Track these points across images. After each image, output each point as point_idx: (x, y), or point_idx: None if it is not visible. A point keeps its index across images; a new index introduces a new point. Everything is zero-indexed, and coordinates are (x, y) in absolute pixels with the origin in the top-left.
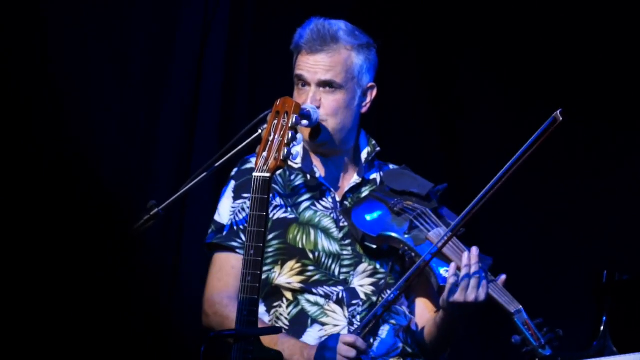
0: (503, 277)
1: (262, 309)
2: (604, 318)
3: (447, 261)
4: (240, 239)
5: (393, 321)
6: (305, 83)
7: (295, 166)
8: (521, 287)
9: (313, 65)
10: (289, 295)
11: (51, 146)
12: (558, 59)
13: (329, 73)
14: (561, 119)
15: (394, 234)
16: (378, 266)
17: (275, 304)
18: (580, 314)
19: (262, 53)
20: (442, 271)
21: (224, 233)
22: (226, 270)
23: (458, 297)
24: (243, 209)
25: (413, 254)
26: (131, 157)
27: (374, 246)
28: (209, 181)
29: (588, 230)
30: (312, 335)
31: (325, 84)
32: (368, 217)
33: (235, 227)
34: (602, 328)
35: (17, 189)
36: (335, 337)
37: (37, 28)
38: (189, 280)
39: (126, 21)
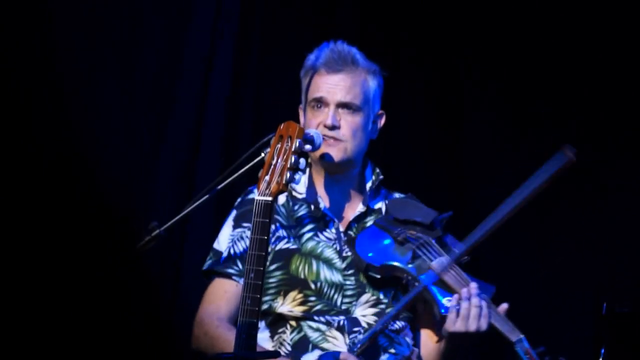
0: (504, 305)
1: (265, 334)
2: (603, 350)
3: (449, 291)
4: (237, 266)
5: (393, 350)
6: (323, 104)
7: (299, 197)
8: (521, 317)
9: (333, 86)
10: (292, 322)
11: (56, 164)
12: (564, 83)
13: (349, 95)
14: (574, 158)
15: (397, 264)
16: (382, 296)
17: (280, 330)
18: (579, 345)
19: (268, 77)
20: (445, 301)
21: (221, 260)
22: (219, 295)
23: (459, 326)
24: (241, 237)
25: (417, 283)
26: (134, 178)
27: (378, 276)
28: (210, 203)
29: (589, 261)
30: (311, 359)
31: (344, 105)
32: (372, 247)
33: (232, 255)
34: None
35: (21, 207)
36: (331, 355)
37: (47, 52)
38: (188, 301)
39: (134, 39)
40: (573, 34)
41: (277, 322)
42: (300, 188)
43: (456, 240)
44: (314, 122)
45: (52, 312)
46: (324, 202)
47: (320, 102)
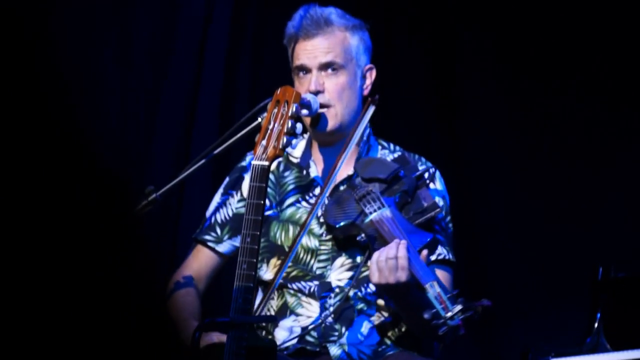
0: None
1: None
2: (598, 315)
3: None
4: (215, 232)
5: (370, 312)
6: (307, 70)
7: (295, 161)
8: (516, 281)
9: (312, 50)
10: (278, 288)
11: (50, 129)
12: (560, 48)
13: (328, 55)
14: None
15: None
16: (358, 259)
17: (271, 296)
18: (574, 310)
19: (265, 42)
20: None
21: (203, 227)
22: (192, 255)
23: (378, 279)
24: (224, 204)
25: (368, 241)
26: (131, 142)
27: (341, 237)
28: (207, 168)
29: (586, 224)
30: (285, 325)
31: (326, 67)
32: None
33: (212, 222)
34: (596, 325)
35: (12, 175)
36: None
37: (41, 23)
38: None
39: (130, 7)
40: (573, 21)
41: (267, 288)
42: (297, 152)
43: (431, 193)
44: (301, 91)
45: (47, 283)
46: (317, 166)
47: (303, 70)
